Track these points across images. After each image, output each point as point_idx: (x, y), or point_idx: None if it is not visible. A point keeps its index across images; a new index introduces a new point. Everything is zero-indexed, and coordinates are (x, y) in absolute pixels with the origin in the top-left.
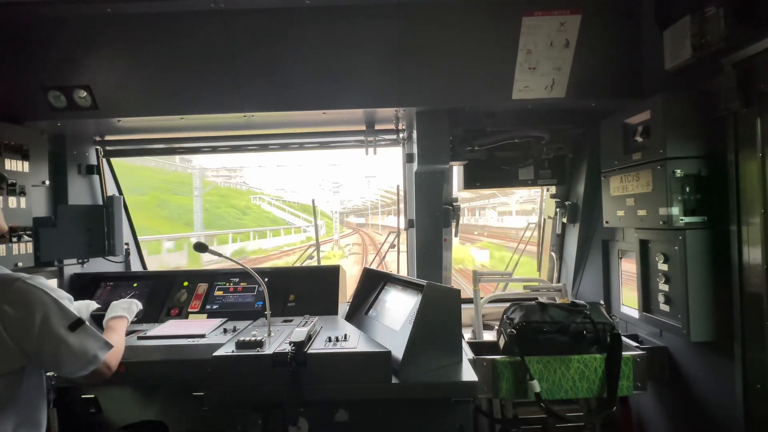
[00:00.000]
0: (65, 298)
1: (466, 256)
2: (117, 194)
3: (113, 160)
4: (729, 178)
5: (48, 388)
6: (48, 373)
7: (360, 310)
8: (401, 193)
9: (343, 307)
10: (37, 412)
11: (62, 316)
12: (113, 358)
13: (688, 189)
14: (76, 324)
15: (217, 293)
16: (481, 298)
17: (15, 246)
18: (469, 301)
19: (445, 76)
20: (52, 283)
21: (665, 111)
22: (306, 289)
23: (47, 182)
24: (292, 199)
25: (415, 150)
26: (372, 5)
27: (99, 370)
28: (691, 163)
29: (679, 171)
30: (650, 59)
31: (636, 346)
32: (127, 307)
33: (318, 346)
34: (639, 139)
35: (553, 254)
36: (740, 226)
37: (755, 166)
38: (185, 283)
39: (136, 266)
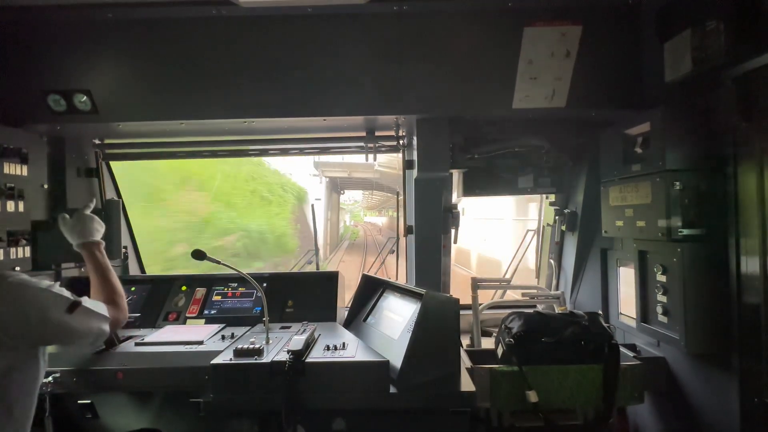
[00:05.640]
0: (52, 284)
1: None
2: (116, 197)
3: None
4: (728, 191)
5: (44, 396)
6: (46, 379)
7: (358, 317)
8: (400, 199)
9: (342, 312)
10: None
11: (57, 302)
12: (120, 314)
13: (687, 201)
14: (73, 306)
15: (216, 298)
16: (480, 304)
17: (12, 250)
18: (468, 307)
19: (445, 85)
20: None
21: (665, 123)
22: (304, 294)
23: (46, 185)
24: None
25: (414, 157)
26: (373, 13)
27: (111, 334)
28: (691, 176)
29: (678, 183)
30: (650, 71)
31: (633, 356)
32: (89, 228)
33: (316, 355)
34: (638, 150)
35: (552, 261)
36: (738, 239)
37: (754, 179)
38: (183, 288)
39: (134, 270)
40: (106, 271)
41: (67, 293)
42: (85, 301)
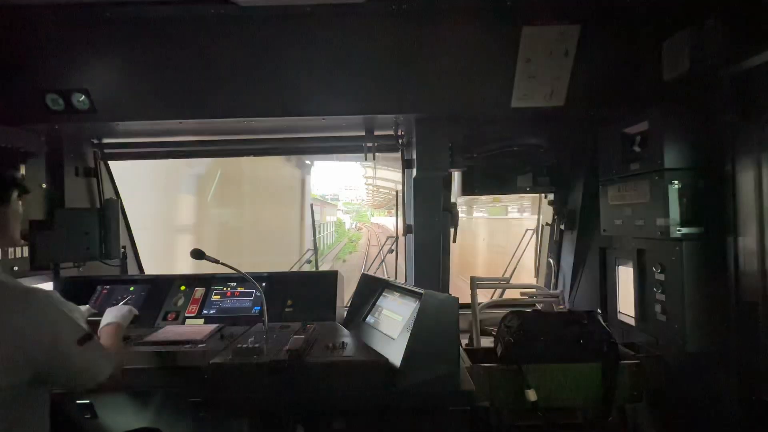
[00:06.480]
0: (75, 310)
1: None
2: (114, 197)
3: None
4: (726, 189)
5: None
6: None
7: (358, 317)
8: (399, 198)
9: (341, 311)
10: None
11: (72, 331)
12: (117, 368)
13: (685, 200)
14: (85, 338)
15: (215, 298)
16: (479, 303)
17: (11, 249)
18: (467, 306)
19: (444, 84)
20: (47, 286)
21: (663, 122)
22: (304, 294)
23: (44, 185)
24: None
25: (414, 156)
26: (372, 12)
27: (104, 383)
28: (689, 175)
29: (676, 182)
30: (649, 70)
31: (633, 355)
32: (120, 314)
33: (315, 354)
34: (637, 149)
35: (551, 260)
36: (737, 238)
37: (752, 177)
38: (182, 287)
39: (133, 270)
40: (115, 342)
41: (84, 325)
42: (97, 338)
